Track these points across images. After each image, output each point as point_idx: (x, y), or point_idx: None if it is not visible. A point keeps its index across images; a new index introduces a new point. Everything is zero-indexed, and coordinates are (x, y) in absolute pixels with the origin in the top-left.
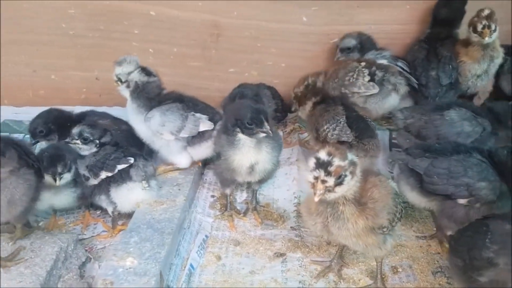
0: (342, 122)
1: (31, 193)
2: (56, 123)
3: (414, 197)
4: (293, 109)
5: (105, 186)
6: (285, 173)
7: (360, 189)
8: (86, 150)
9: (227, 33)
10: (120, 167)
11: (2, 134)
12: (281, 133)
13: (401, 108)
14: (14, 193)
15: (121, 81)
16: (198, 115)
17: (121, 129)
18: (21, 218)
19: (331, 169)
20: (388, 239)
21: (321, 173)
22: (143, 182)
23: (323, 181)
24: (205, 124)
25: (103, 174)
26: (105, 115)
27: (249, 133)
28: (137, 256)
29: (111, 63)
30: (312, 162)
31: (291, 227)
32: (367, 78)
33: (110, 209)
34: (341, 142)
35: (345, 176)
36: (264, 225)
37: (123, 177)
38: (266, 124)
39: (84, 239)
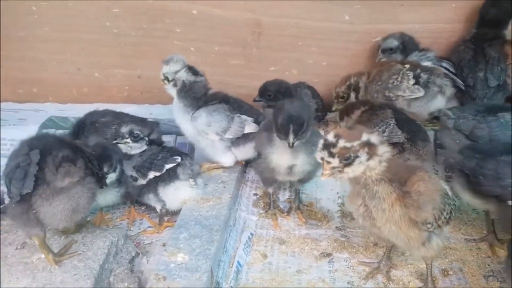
0: (391, 124)
1: (93, 200)
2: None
3: (467, 198)
4: (333, 108)
5: (153, 185)
6: None
7: (406, 180)
8: (137, 148)
9: (268, 32)
10: (168, 166)
11: (58, 134)
12: (322, 132)
13: (450, 107)
14: (79, 202)
15: (168, 80)
16: (243, 117)
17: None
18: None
19: (335, 150)
20: (434, 238)
21: (325, 154)
22: (190, 180)
23: (328, 162)
24: (250, 126)
25: (152, 174)
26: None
27: (279, 136)
28: (188, 252)
29: (153, 61)
30: (320, 143)
31: (336, 227)
32: (412, 81)
33: (158, 207)
34: (393, 145)
35: (356, 157)
36: (308, 224)
37: (171, 176)
38: (291, 137)
39: (131, 235)
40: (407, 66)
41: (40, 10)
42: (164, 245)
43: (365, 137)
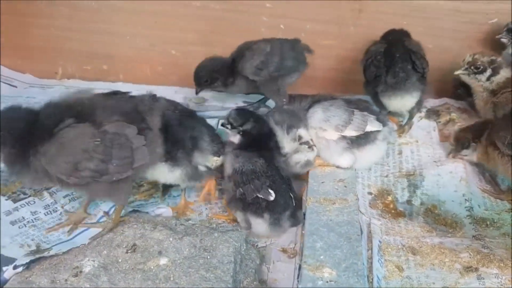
0: None
1: None
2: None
3: None
4: (455, 72)
5: (242, 203)
6: (449, 171)
7: None
8: (232, 136)
9: (370, 9)
10: (258, 195)
11: None
12: (434, 123)
13: None
14: None
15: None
16: (364, 112)
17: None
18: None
19: None
20: None
21: None
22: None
23: None
24: (373, 124)
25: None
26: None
27: None
28: (332, 266)
29: (237, 39)
30: None
31: (473, 236)
32: None
33: (243, 225)
34: None
35: None
36: (439, 231)
37: (257, 210)
38: None
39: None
40: None
41: None
42: (283, 250)
43: None
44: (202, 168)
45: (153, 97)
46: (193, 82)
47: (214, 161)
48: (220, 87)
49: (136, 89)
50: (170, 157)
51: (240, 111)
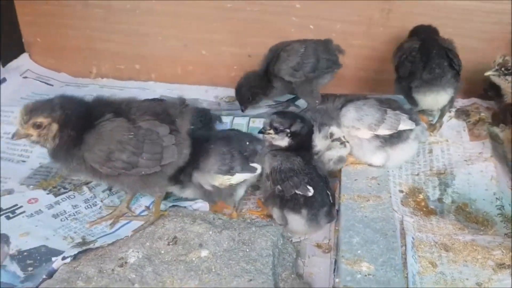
0: None
1: None
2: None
3: None
4: (486, 73)
5: (279, 200)
6: (480, 170)
7: None
8: (279, 140)
9: (399, 9)
10: (297, 191)
11: None
12: (463, 123)
13: None
14: None
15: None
16: (397, 111)
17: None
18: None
19: None
20: None
21: None
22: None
23: None
24: (406, 123)
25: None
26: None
27: None
28: (370, 261)
29: (266, 40)
30: None
31: (505, 234)
32: None
33: (279, 222)
34: None
35: None
36: (470, 229)
37: (295, 206)
38: None
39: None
40: None
41: None
42: (318, 245)
43: None
44: (208, 188)
45: (183, 103)
46: (223, 82)
47: (224, 180)
48: (262, 98)
49: (167, 88)
50: (176, 180)
51: (281, 113)
